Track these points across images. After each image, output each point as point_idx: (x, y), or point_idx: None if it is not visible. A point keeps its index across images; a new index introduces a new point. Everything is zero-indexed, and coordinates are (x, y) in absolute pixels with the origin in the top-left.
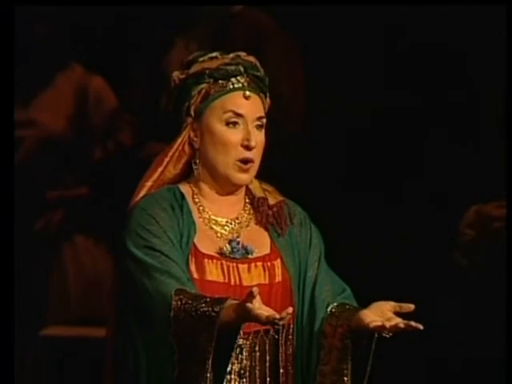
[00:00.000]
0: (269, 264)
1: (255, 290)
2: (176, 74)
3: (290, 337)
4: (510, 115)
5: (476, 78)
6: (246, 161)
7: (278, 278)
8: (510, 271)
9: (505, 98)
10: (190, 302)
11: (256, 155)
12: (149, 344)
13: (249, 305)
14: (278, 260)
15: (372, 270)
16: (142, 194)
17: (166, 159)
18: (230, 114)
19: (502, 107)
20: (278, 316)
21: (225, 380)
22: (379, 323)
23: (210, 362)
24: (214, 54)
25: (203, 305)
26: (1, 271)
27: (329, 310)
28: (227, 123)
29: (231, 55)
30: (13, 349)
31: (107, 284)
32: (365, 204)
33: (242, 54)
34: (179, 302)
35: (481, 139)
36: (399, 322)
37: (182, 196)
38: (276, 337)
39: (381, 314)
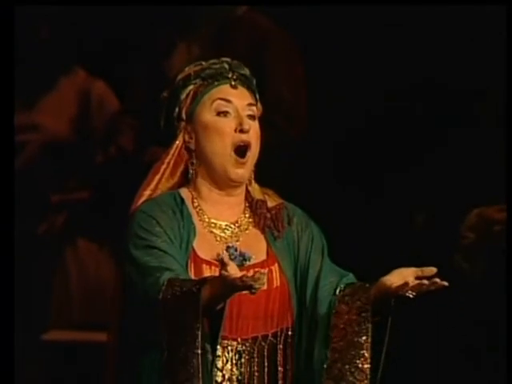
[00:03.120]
0: (267, 270)
1: (225, 256)
2: (165, 92)
3: (289, 340)
4: (510, 115)
5: (476, 78)
6: (242, 149)
7: (276, 283)
8: (510, 274)
9: (505, 97)
10: (177, 284)
11: (252, 140)
12: (151, 348)
13: (224, 272)
14: (276, 265)
15: (372, 272)
16: (140, 202)
17: (163, 166)
18: (218, 102)
19: (502, 107)
20: (249, 275)
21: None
22: (400, 282)
23: (200, 338)
24: (198, 63)
25: (188, 285)
26: (3, 274)
27: (338, 292)
28: (218, 113)
29: (216, 60)
30: (13, 353)
31: (110, 288)
32: (365, 206)
33: (227, 58)
34: (169, 287)
35: (481, 140)
36: (422, 280)
37: (182, 200)
38: (274, 342)
39: (403, 279)
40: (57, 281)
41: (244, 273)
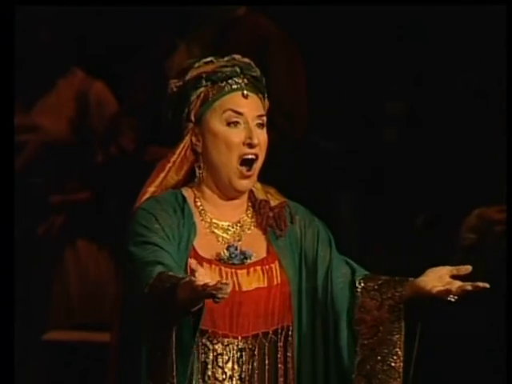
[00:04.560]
0: (267, 267)
1: (193, 262)
2: (173, 82)
3: (290, 339)
4: (510, 115)
5: (476, 78)
6: (248, 162)
7: (277, 281)
8: (511, 275)
9: (505, 97)
10: (163, 280)
11: (259, 153)
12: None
13: (191, 278)
14: (276, 263)
15: (373, 273)
16: (144, 198)
17: (169, 165)
18: (229, 113)
19: (502, 107)
20: (211, 284)
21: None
22: (442, 288)
23: (174, 337)
24: (208, 59)
25: (169, 282)
26: (3, 275)
27: (357, 285)
28: (228, 123)
29: (226, 58)
30: (14, 353)
31: (109, 288)
32: (366, 208)
33: (237, 56)
34: (156, 281)
35: (481, 140)
36: (464, 284)
37: (184, 199)
38: (275, 339)
39: (439, 280)
40: (57, 281)
41: (208, 281)
